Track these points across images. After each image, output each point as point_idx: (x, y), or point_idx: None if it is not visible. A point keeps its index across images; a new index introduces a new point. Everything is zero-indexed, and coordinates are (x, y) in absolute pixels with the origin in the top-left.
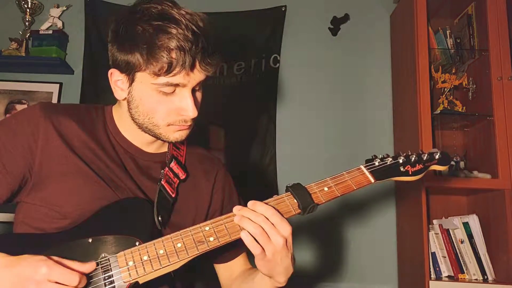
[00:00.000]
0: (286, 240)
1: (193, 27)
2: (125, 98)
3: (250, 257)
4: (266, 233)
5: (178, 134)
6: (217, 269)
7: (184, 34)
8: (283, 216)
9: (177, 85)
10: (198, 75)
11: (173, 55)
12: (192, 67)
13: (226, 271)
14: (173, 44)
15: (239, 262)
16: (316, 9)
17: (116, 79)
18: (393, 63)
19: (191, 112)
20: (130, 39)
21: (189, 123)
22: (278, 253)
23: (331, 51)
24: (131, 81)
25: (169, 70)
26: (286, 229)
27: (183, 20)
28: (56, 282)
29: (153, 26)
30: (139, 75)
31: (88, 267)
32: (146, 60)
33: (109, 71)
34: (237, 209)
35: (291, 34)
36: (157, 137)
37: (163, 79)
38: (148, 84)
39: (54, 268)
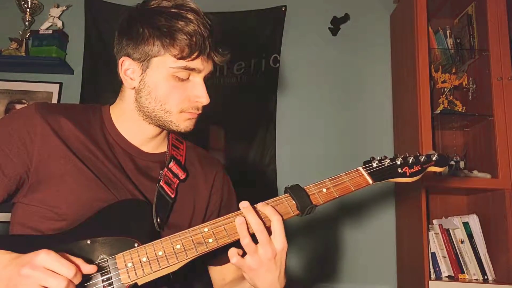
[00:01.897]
0: (277, 254)
1: (207, 19)
2: (134, 87)
3: None
4: (258, 244)
5: (188, 123)
6: (210, 271)
7: (203, 22)
8: (283, 230)
9: (193, 70)
10: (211, 64)
11: (193, 39)
12: (208, 54)
13: (219, 275)
14: (193, 28)
15: (232, 268)
16: (316, 9)
17: (127, 68)
18: (393, 63)
19: (205, 98)
20: (150, 25)
21: (199, 111)
22: (263, 265)
23: (331, 51)
24: (145, 68)
25: (189, 53)
26: (280, 244)
27: (200, 11)
28: (52, 271)
29: (172, 13)
30: (155, 61)
31: (88, 268)
32: (167, 43)
33: (120, 59)
34: (242, 205)
35: (291, 34)
36: (166, 126)
37: (182, 63)
38: (166, 68)
39: (52, 257)
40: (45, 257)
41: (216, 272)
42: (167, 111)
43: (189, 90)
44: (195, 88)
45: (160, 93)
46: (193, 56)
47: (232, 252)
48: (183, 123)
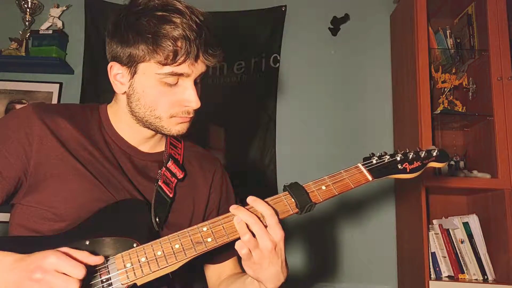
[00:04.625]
0: (276, 245)
1: (196, 19)
2: (125, 92)
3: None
4: (256, 237)
5: (179, 127)
6: (206, 270)
7: (189, 24)
8: (279, 219)
9: (181, 75)
10: (201, 66)
11: (179, 44)
12: (196, 57)
13: (215, 273)
14: (178, 33)
15: (229, 265)
16: (316, 9)
17: (116, 73)
18: (393, 63)
19: (195, 103)
20: (134, 30)
21: (191, 115)
22: (266, 258)
23: (331, 51)
24: (133, 73)
25: (174, 59)
26: (278, 234)
27: (187, 11)
28: (63, 274)
29: (157, 17)
30: (142, 66)
31: (96, 259)
32: (151, 50)
33: (109, 65)
34: (233, 208)
35: (291, 34)
36: (158, 130)
37: (168, 69)
38: (152, 74)
39: (62, 259)
40: (55, 260)
41: (213, 271)
42: (157, 117)
43: (179, 94)
44: (184, 92)
45: (149, 99)
46: (179, 61)
47: (241, 245)
48: (175, 128)
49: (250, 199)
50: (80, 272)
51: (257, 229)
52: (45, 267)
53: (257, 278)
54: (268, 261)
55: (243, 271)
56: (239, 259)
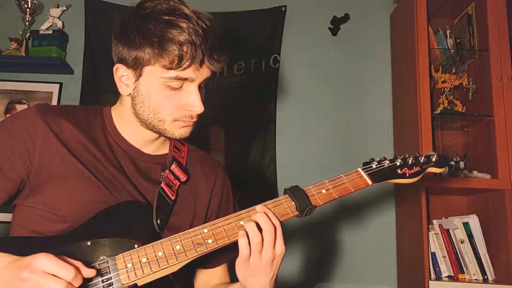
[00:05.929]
0: (275, 258)
1: (202, 24)
2: (130, 94)
3: (231, 269)
4: (263, 244)
5: (183, 131)
6: (197, 273)
7: (195, 29)
8: (281, 235)
9: (185, 79)
10: (206, 71)
11: (184, 48)
12: (201, 63)
13: (205, 277)
14: (184, 37)
15: (218, 272)
16: (316, 9)
17: (121, 75)
18: (393, 63)
19: (199, 107)
20: (140, 33)
21: (194, 119)
22: (261, 266)
23: (330, 51)
24: (138, 76)
25: (179, 63)
26: (280, 248)
27: (193, 16)
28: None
29: (164, 21)
30: (147, 69)
31: (88, 272)
32: (156, 54)
33: (114, 67)
34: (259, 207)
35: (291, 34)
36: (161, 133)
37: (172, 73)
38: (157, 78)
39: (51, 260)
40: (44, 260)
41: (203, 275)
42: (160, 120)
43: (183, 99)
44: (188, 97)
45: (153, 102)
46: (184, 66)
47: (246, 245)
48: (178, 131)
49: (259, 207)
50: (68, 274)
51: (268, 238)
52: (33, 267)
53: (245, 284)
54: (262, 270)
55: (231, 280)
56: (229, 268)
